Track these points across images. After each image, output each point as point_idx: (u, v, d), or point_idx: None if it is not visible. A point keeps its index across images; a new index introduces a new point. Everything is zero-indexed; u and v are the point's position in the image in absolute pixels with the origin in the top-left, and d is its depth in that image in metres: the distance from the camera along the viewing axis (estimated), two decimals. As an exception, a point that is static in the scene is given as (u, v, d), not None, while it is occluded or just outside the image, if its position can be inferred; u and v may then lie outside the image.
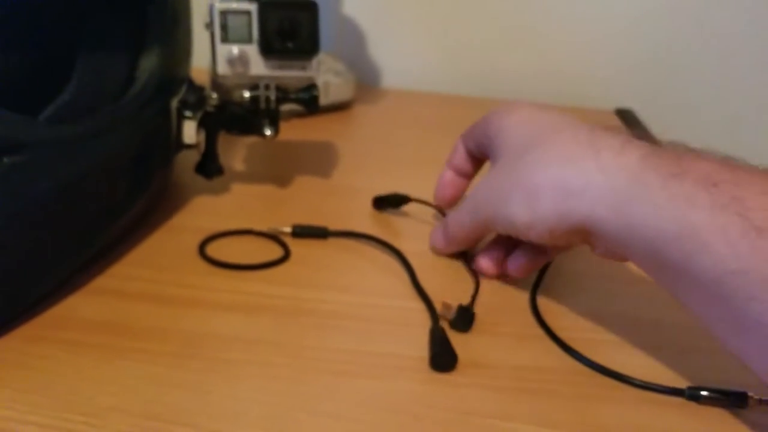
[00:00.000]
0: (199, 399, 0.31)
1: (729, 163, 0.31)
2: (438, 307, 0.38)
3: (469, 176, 0.47)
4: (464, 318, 0.38)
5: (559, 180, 0.35)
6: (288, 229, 0.45)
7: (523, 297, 0.41)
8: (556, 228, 0.35)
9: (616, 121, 0.80)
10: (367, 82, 0.86)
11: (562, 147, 0.36)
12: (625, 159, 0.33)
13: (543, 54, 0.85)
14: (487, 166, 0.45)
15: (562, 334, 0.37)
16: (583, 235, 0.35)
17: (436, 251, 0.45)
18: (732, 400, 0.32)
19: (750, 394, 0.32)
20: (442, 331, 0.36)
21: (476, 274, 0.43)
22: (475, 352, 0.36)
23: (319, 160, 0.60)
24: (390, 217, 0.50)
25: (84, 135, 0.36)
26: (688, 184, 0.31)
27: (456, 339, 0.36)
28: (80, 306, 0.37)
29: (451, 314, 0.38)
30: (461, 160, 0.46)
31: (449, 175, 0.47)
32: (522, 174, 0.37)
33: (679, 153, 0.33)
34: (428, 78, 0.86)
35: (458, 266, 0.44)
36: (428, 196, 0.50)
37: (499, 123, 0.41)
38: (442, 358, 0.35)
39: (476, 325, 0.38)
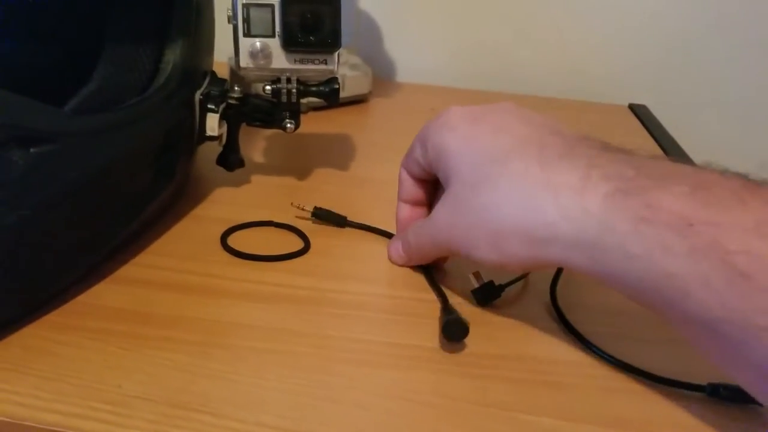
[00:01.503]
0: (225, 387, 0.32)
1: (702, 192, 0.29)
2: (451, 299, 0.39)
3: (425, 203, 0.43)
4: (488, 291, 0.39)
5: (522, 227, 0.33)
6: (309, 209, 0.46)
7: (542, 291, 0.41)
8: (531, 266, 0.35)
9: (630, 117, 0.80)
10: (382, 77, 0.86)
11: (515, 184, 0.34)
12: (588, 200, 0.31)
13: (557, 50, 0.85)
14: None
15: (581, 329, 0.37)
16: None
17: (396, 264, 0.43)
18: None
19: (771, 390, 0.32)
20: (452, 307, 0.37)
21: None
22: (494, 343, 0.36)
23: (338, 153, 0.60)
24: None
25: (110, 126, 0.37)
26: (661, 227, 0.28)
27: (475, 331, 0.36)
28: (105, 294, 0.38)
29: (478, 283, 0.39)
30: (411, 190, 0.43)
31: (405, 210, 0.43)
32: (480, 216, 0.35)
33: (645, 185, 0.30)
34: (443, 74, 0.86)
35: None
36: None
37: (439, 143, 0.38)
38: (454, 326, 0.35)
39: (495, 317, 0.38)
